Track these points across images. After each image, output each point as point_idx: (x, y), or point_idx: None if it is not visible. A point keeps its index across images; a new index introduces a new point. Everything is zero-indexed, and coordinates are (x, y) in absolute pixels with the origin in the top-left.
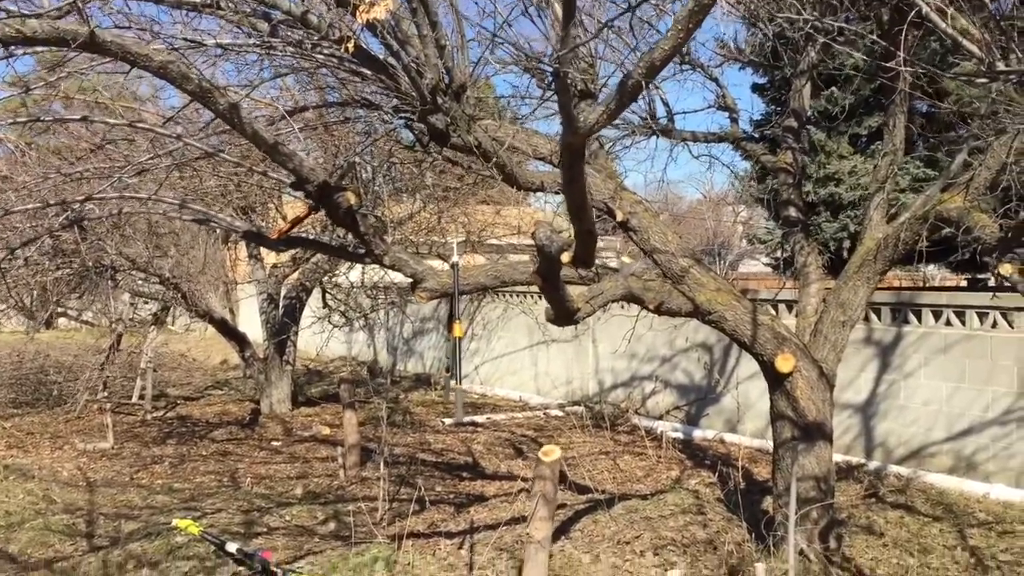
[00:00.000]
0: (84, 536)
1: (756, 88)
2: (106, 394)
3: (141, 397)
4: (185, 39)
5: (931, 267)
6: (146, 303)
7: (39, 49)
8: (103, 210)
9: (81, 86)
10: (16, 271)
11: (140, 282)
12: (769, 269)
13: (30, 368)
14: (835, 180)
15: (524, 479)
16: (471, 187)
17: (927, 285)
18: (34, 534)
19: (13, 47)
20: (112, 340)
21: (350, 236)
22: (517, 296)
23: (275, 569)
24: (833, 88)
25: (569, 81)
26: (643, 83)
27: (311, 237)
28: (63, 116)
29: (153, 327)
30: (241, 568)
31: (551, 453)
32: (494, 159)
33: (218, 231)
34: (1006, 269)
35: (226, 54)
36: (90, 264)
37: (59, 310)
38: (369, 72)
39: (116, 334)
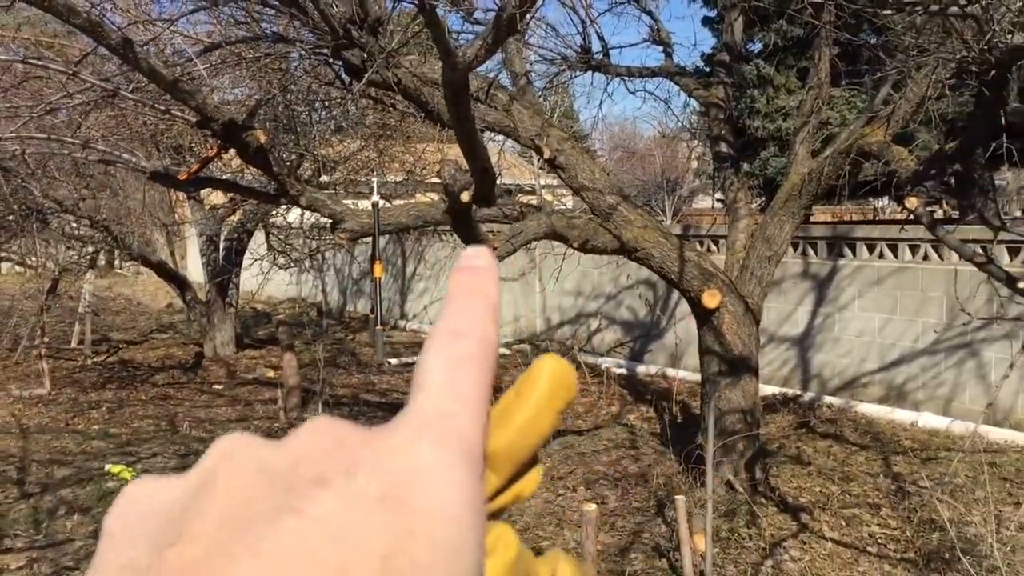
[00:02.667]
0: (14, 483)
1: (706, 21)
2: (44, 339)
3: (80, 342)
4: None
5: (881, 200)
6: (84, 246)
7: None
8: (3, 150)
9: (15, 20)
10: None
11: (73, 225)
12: (721, 205)
13: None
14: (783, 114)
15: None
16: (400, 124)
17: (876, 218)
18: None
19: None
20: (46, 284)
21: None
22: None
23: None
24: (782, 21)
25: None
26: (517, 15)
27: (223, 178)
28: None
29: (89, 270)
30: None
31: None
32: (414, 95)
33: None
34: (912, 202)
35: None
36: (15, 207)
37: (2, 254)
38: (278, 4)
39: (52, 278)
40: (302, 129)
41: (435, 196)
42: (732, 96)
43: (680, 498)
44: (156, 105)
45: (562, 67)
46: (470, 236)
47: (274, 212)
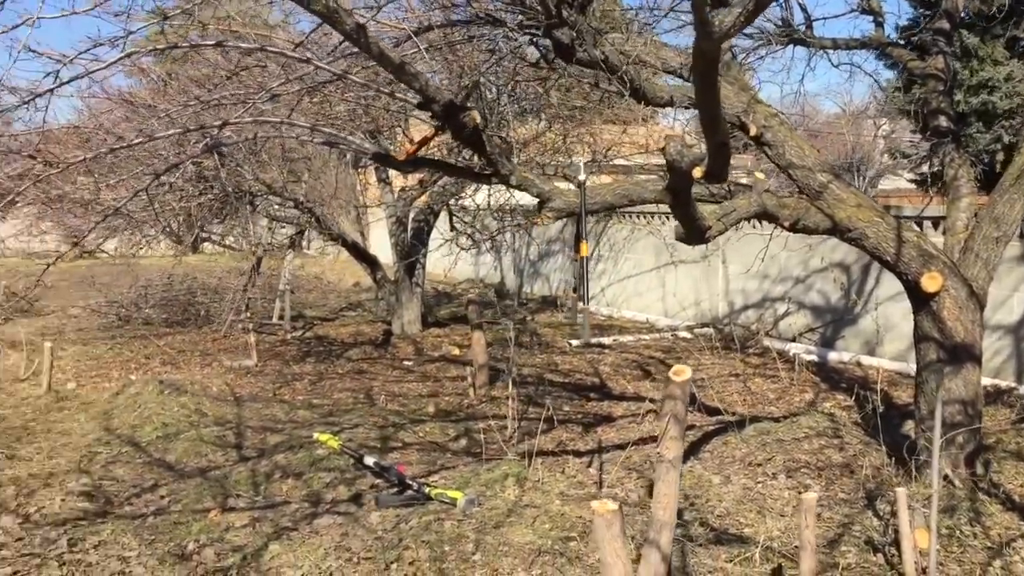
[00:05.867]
0: (233, 447)
1: None
2: (249, 315)
3: (280, 318)
4: None
5: None
6: (282, 227)
7: None
8: (239, 135)
9: (215, 14)
10: (162, 197)
11: (276, 207)
12: (912, 186)
13: (179, 290)
14: (989, 88)
15: (652, 400)
16: (597, 105)
17: None
18: (189, 444)
19: None
20: (253, 263)
21: (476, 158)
22: (644, 217)
23: (410, 482)
24: None
25: None
26: None
27: (437, 159)
28: (199, 42)
29: (290, 250)
30: (378, 480)
31: (682, 373)
32: (620, 73)
33: (348, 155)
34: None
35: None
36: (230, 189)
37: (203, 235)
38: None
39: (256, 257)
40: (491, 110)
41: (608, 179)
42: (951, 67)
43: (901, 491)
44: (381, 89)
45: (763, 40)
46: (688, 215)
47: (460, 194)
